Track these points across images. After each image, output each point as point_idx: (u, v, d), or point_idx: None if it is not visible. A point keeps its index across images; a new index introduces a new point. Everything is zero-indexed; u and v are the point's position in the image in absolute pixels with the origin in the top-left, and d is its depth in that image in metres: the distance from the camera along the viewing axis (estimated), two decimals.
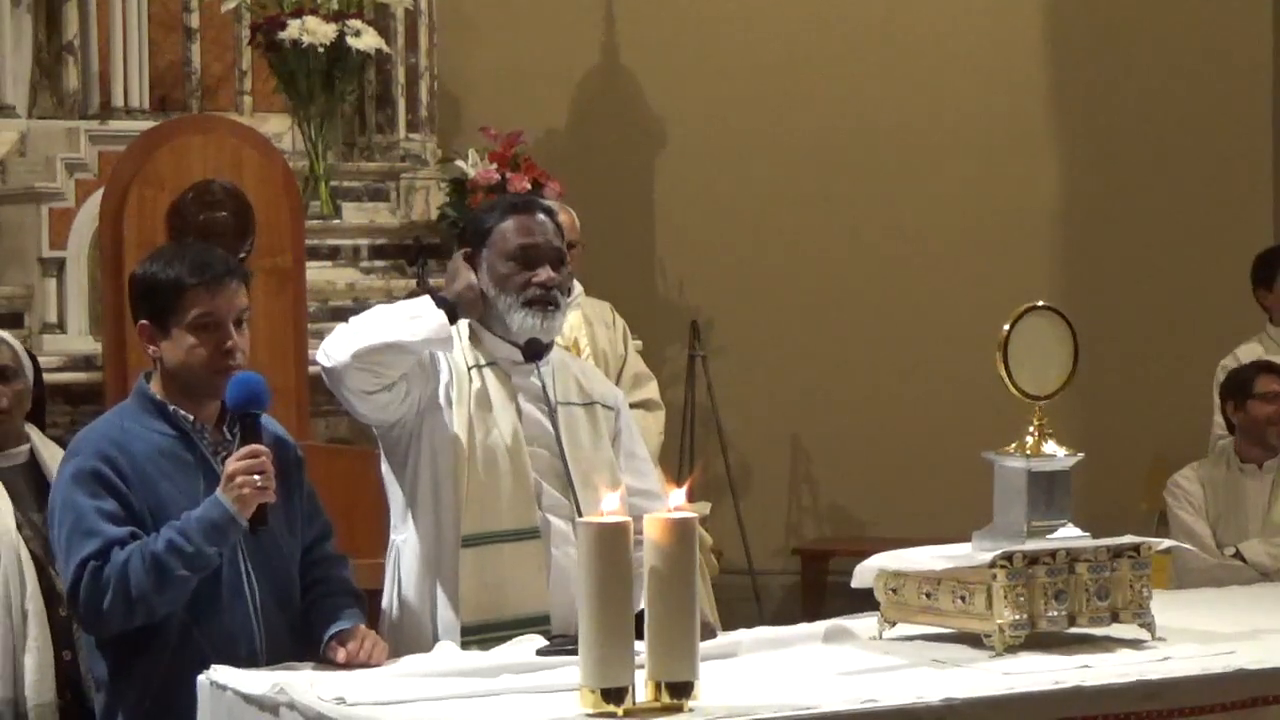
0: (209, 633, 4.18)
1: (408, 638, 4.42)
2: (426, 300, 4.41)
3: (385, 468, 4.55)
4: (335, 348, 4.34)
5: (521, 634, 4.31)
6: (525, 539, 4.43)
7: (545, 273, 4.51)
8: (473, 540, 4.40)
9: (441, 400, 4.46)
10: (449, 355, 4.49)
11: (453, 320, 4.41)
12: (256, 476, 4.08)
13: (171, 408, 4.26)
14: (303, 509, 4.40)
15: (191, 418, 4.27)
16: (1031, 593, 4.17)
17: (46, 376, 5.58)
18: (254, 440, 4.15)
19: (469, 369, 4.49)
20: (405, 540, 4.49)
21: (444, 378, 4.48)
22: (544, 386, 4.53)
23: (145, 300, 4.30)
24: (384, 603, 4.54)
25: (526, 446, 4.47)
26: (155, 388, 4.30)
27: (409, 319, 4.35)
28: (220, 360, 4.23)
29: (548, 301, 4.50)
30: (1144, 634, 4.28)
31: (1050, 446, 4.33)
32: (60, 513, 4.19)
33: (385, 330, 4.31)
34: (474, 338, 4.55)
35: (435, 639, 4.38)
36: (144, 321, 4.30)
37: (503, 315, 4.51)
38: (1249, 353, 7.71)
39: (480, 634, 4.36)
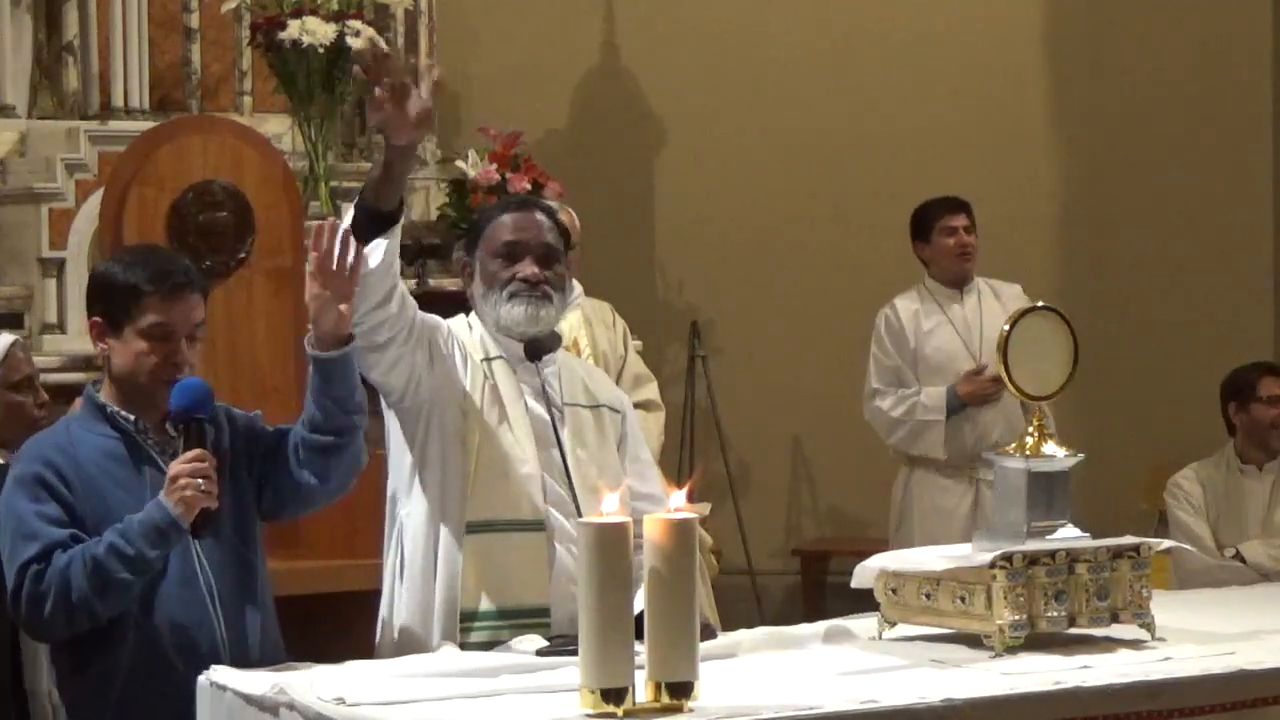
0: (163, 627, 4.14)
1: (409, 616, 4.42)
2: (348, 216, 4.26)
3: (393, 440, 4.53)
4: None
5: (521, 626, 4.32)
6: (530, 530, 4.43)
7: (527, 267, 4.47)
8: (477, 527, 4.39)
9: (455, 382, 4.45)
10: (466, 343, 4.49)
11: (372, 208, 4.21)
12: (200, 480, 4.05)
13: (110, 410, 4.25)
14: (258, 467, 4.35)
15: (133, 418, 4.24)
16: (1031, 593, 4.17)
17: (46, 377, 5.59)
18: (198, 445, 4.11)
19: (482, 360, 4.50)
20: (409, 515, 4.48)
21: (460, 364, 4.47)
22: (546, 386, 4.53)
23: (100, 298, 4.29)
24: (385, 577, 4.52)
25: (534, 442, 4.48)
26: (103, 391, 4.29)
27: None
28: (168, 372, 4.21)
29: (533, 293, 4.47)
30: (1144, 634, 4.27)
31: (1050, 447, 4.33)
32: (3, 519, 4.16)
33: None
34: (486, 332, 4.55)
35: (435, 620, 4.38)
36: (96, 319, 4.28)
37: (492, 311, 4.51)
38: (905, 306, 7.81)
39: (480, 621, 4.36)
